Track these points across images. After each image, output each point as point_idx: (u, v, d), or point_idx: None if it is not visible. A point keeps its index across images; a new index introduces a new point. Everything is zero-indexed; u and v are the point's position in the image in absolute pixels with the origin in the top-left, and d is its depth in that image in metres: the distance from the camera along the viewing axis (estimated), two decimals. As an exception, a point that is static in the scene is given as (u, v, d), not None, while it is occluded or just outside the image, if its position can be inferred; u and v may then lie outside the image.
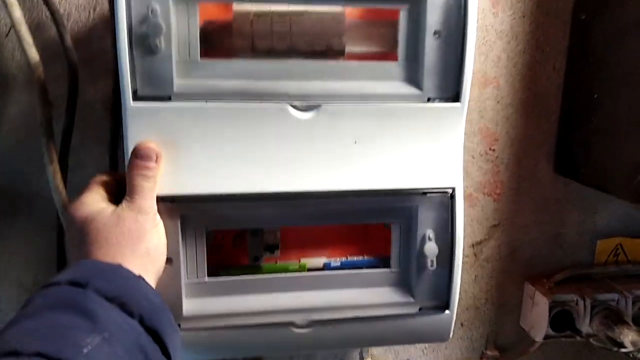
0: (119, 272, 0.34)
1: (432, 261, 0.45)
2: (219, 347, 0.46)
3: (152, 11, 0.38)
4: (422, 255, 0.45)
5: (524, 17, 0.58)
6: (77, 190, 0.51)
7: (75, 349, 0.28)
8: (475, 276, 0.66)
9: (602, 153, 0.55)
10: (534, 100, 0.61)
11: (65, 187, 0.47)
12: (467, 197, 0.63)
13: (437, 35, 0.42)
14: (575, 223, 0.66)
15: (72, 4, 0.49)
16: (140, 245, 0.37)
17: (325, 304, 0.45)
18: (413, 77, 0.43)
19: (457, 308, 0.66)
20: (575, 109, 0.60)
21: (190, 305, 0.43)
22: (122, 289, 0.33)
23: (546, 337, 0.63)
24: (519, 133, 0.62)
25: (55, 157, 0.45)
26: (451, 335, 0.49)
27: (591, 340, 0.64)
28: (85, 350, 0.28)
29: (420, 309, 0.46)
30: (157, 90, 0.39)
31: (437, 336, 0.49)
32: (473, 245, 0.65)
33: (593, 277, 0.68)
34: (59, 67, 0.48)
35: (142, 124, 0.39)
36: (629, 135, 0.51)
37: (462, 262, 0.65)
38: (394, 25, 0.43)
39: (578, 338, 0.64)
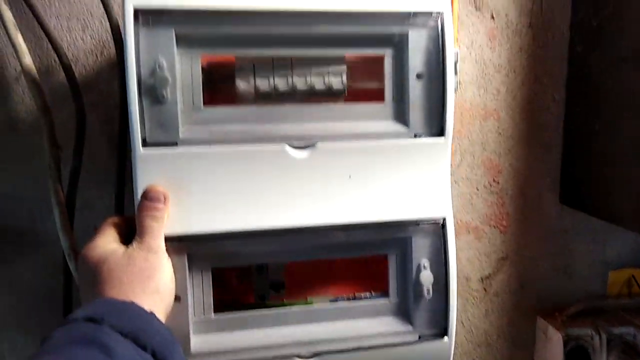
0: (132, 309, 0.36)
1: (428, 289, 0.47)
2: None
3: (159, 65, 0.41)
4: (418, 284, 0.47)
5: (520, 50, 0.59)
6: (84, 230, 0.52)
7: None
8: (486, 311, 0.65)
9: (606, 183, 0.55)
10: (535, 131, 0.61)
11: (72, 227, 0.47)
12: (473, 229, 0.62)
13: (419, 77, 0.46)
14: (585, 254, 0.65)
15: (80, 48, 0.50)
16: (151, 283, 0.39)
17: (328, 335, 0.47)
18: (400, 115, 0.47)
19: (469, 345, 0.65)
20: (577, 140, 0.60)
21: (198, 342, 0.44)
22: (135, 325, 0.34)
23: (562, 373, 0.61)
24: (522, 164, 0.62)
25: (62, 200, 0.46)
26: None
27: (609, 376, 0.62)
28: None
29: (419, 337, 0.48)
30: (164, 136, 0.42)
31: None
32: (482, 279, 0.64)
33: (606, 309, 0.66)
34: (67, 110, 0.49)
35: (150, 168, 0.42)
36: (632, 166, 0.51)
37: (472, 297, 0.65)
38: (381, 69, 0.47)
39: (595, 374, 0.62)
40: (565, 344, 0.61)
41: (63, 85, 0.48)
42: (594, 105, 0.57)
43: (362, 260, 0.53)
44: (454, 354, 0.64)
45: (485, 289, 0.64)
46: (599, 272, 0.66)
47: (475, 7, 0.58)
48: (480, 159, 0.61)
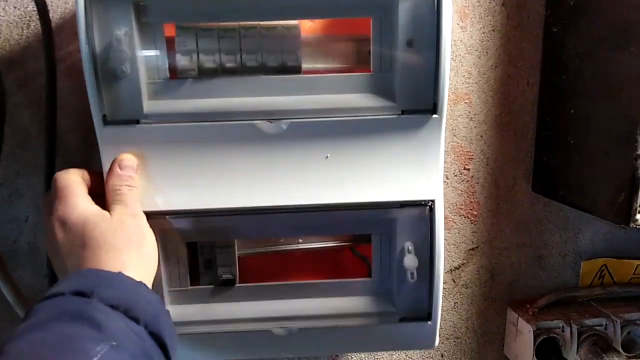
0: (121, 279, 0.35)
1: (412, 273, 0.45)
2: (199, 352, 0.46)
3: (116, 38, 0.38)
4: (402, 268, 0.45)
5: (494, 30, 0.56)
6: (13, 220, 0.47)
7: (85, 359, 0.29)
8: (455, 303, 0.62)
9: (581, 172, 0.53)
10: (508, 117, 0.58)
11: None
12: (443, 219, 0.59)
13: (410, 44, 0.40)
14: (558, 244, 0.63)
15: (2, 20, 0.45)
16: (142, 249, 0.39)
17: (307, 312, 0.46)
18: (386, 89, 0.42)
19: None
20: (552, 126, 0.57)
21: (173, 313, 0.43)
22: (126, 297, 0.33)
23: (531, 367, 0.59)
24: (494, 151, 0.59)
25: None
26: (437, 343, 0.49)
27: (579, 369, 0.60)
28: (95, 359, 0.29)
29: (400, 319, 0.46)
30: (126, 114, 0.40)
31: (421, 344, 0.50)
32: (451, 271, 0.61)
33: (578, 300, 0.65)
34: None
35: (114, 147, 0.41)
36: (609, 153, 0.48)
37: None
38: (365, 35, 0.43)
39: (565, 368, 0.60)
40: (535, 336, 0.59)
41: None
42: (569, 89, 0.54)
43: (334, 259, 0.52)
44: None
45: (454, 281, 0.62)
46: (572, 262, 0.64)
47: (446, -18, 0.54)
48: (450, 145, 0.58)
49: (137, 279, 0.35)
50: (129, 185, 0.40)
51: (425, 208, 0.44)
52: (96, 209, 0.38)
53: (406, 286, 0.45)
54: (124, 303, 0.33)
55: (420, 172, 0.43)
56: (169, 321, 0.36)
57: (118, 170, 0.40)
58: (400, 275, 0.45)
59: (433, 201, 0.44)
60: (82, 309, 0.31)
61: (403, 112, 0.41)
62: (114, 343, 0.30)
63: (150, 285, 0.37)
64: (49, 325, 0.30)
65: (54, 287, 0.33)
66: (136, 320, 0.33)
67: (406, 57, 0.40)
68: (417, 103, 0.41)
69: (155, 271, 0.40)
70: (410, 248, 0.44)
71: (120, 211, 0.39)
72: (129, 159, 0.41)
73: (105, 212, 0.38)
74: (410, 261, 0.44)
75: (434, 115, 0.42)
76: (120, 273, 0.35)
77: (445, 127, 0.57)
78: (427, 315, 0.46)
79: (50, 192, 0.40)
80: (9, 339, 0.29)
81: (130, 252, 0.37)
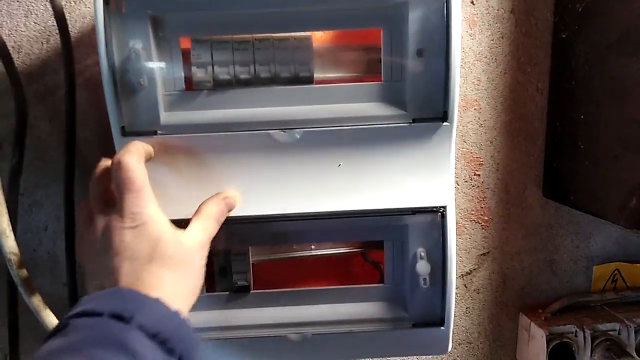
0: (160, 307, 0.34)
1: (424, 279, 0.45)
2: (215, 359, 0.47)
3: (134, 51, 0.39)
4: (414, 273, 0.45)
5: (502, 37, 0.56)
6: (34, 229, 0.48)
7: None
8: (467, 309, 0.62)
9: (592, 176, 0.53)
10: (518, 122, 0.59)
11: (15, 229, 0.43)
12: (454, 225, 0.60)
13: (420, 54, 0.41)
14: (569, 249, 0.63)
15: (22, 35, 0.46)
16: (197, 283, 0.38)
17: (320, 317, 0.46)
18: (397, 98, 0.43)
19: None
20: (562, 131, 0.57)
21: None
22: (163, 326, 0.33)
23: (544, 373, 0.59)
24: (504, 157, 0.59)
25: (2, 199, 0.42)
26: (450, 349, 0.49)
27: (593, 375, 0.60)
28: None
29: (413, 325, 0.47)
30: (144, 125, 0.40)
31: (434, 350, 0.50)
32: (462, 276, 0.62)
33: (591, 305, 0.64)
34: (9, 103, 0.45)
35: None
36: (619, 158, 0.48)
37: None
38: (377, 45, 0.43)
39: (579, 373, 0.60)
40: (548, 341, 0.59)
41: (2, 75, 0.44)
42: (578, 94, 0.54)
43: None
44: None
45: (465, 286, 0.62)
46: (584, 267, 0.64)
47: (455, -9, 0.55)
48: (460, 151, 0.58)
49: (176, 307, 0.35)
50: (219, 220, 0.40)
51: (437, 214, 0.44)
52: (167, 226, 0.38)
53: (419, 292, 0.46)
54: (161, 332, 0.32)
55: (432, 179, 0.44)
56: (201, 352, 0.35)
57: (223, 200, 0.41)
58: (412, 281, 0.46)
59: (445, 207, 0.44)
60: (122, 337, 0.30)
61: (414, 121, 0.42)
62: None
63: (187, 312, 0.37)
64: (85, 350, 0.29)
65: (90, 301, 0.32)
66: (171, 352, 0.32)
67: (416, 67, 0.41)
68: (428, 111, 0.42)
69: (192, 304, 0.39)
70: (422, 254, 0.45)
71: (196, 240, 0.38)
72: (236, 198, 0.42)
73: (180, 235, 0.38)
74: (422, 267, 0.45)
75: (445, 123, 0.42)
76: (159, 299, 0.34)
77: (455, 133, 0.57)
78: (440, 320, 0.46)
79: (98, 178, 0.38)
80: (40, 357, 0.29)
81: (184, 281, 0.37)
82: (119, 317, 0.31)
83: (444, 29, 0.40)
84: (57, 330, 0.31)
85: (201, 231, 0.39)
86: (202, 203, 0.41)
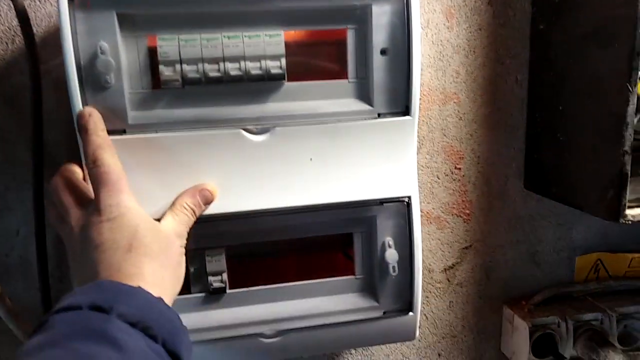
0: (141, 294, 0.34)
1: (393, 267, 0.47)
2: None
3: (101, 49, 0.39)
4: (383, 262, 0.47)
5: (480, 29, 0.56)
6: (4, 234, 0.47)
7: None
8: (450, 302, 0.62)
9: (571, 168, 0.53)
10: (498, 115, 0.58)
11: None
12: (435, 219, 0.59)
13: (383, 53, 0.44)
14: (551, 240, 0.63)
15: (-15, 36, 0.45)
16: (178, 272, 0.39)
17: (293, 313, 0.47)
18: (363, 94, 0.45)
19: (434, 337, 0.63)
20: (542, 123, 0.57)
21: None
22: (145, 313, 0.32)
23: (528, 364, 0.60)
24: (485, 150, 0.59)
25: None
26: (417, 335, 0.51)
27: (575, 365, 0.61)
28: None
29: (384, 313, 0.49)
30: (111, 124, 0.40)
31: (403, 336, 0.52)
32: (445, 270, 0.61)
33: (574, 296, 0.65)
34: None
35: None
36: (597, 149, 0.48)
37: (435, 289, 0.62)
38: (343, 44, 0.45)
39: (561, 364, 0.60)
40: (531, 333, 0.59)
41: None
42: (557, 86, 0.53)
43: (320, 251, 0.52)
44: (417, 347, 0.63)
45: (448, 280, 0.62)
46: (567, 258, 0.64)
47: (431, -18, 0.54)
48: (441, 145, 0.58)
49: (158, 294, 0.35)
50: (195, 211, 0.41)
51: (402, 204, 0.47)
52: (146, 215, 0.38)
53: (388, 280, 0.48)
54: (143, 320, 0.32)
55: (397, 170, 0.46)
56: (187, 339, 0.35)
57: (199, 192, 0.41)
58: (382, 270, 0.47)
59: (409, 197, 0.47)
60: (101, 327, 0.30)
61: (379, 115, 0.45)
62: None
63: (170, 302, 0.37)
64: (67, 343, 0.29)
65: (70, 296, 0.32)
66: (154, 338, 0.32)
67: (380, 65, 0.44)
68: (392, 106, 0.45)
69: (177, 293, 0.39)
70: (390, 243, 0.47)
71: (172, 229, 0.39)
72: (213, 192, 0.42)
73: (155, 224, 0.38)
74: (391, 255, 0.47)
75: (407, 117, 0.45)
76: (139, 288, 0.34)
77: (435, 128, 0.57)
78: (409, 305, 0.48)
79: (67, 168, 0.39)
80: (22, 354, 0.28)
81: (166, 271, 0.37)
82: (98, 309, 0.31)
83: (405, 29, 0.43)
84: (39, 327, 0.31)
85: (176, 221, 0.40)
86: (178, 195, 0.41)
